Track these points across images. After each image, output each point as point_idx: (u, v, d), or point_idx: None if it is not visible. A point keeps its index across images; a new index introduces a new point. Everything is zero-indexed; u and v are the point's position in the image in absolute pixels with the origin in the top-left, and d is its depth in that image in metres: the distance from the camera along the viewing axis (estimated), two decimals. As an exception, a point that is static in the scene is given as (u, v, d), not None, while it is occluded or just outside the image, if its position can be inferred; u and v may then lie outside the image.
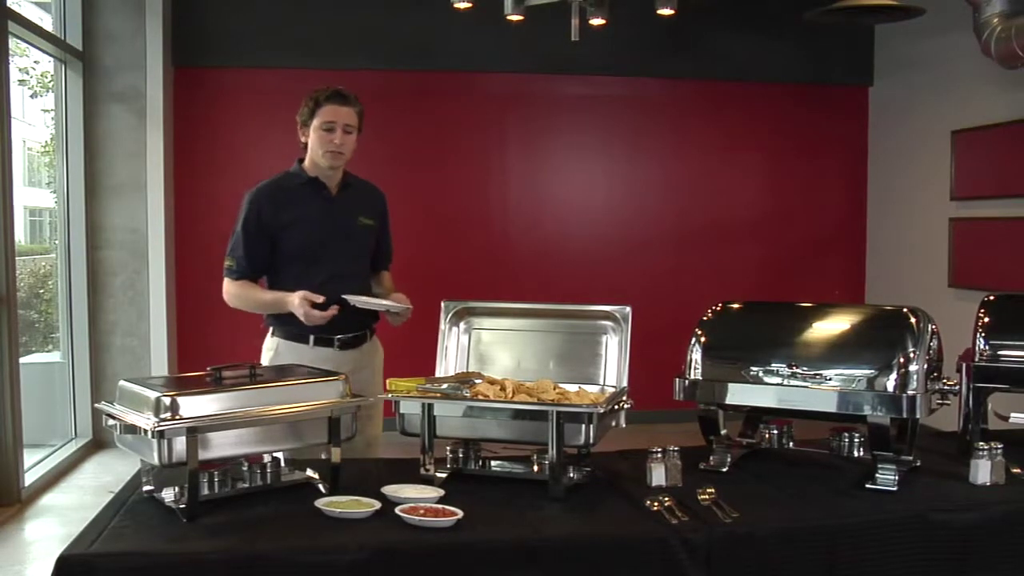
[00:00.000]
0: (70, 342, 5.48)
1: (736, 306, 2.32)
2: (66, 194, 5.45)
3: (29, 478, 4.61)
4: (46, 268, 5.90)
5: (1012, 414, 2.49)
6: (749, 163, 6.42)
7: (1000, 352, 2.37)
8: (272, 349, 2.76)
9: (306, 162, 2.79)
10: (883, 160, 6.38)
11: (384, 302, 2.69)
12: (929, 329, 2.10)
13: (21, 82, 6.15)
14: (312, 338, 2.68)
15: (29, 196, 6.54)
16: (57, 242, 5.62)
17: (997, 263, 5.23)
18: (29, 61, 5.82)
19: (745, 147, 6.39)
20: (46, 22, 5.43)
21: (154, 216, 5.54)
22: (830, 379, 2.08)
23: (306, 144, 2.77)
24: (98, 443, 5.39)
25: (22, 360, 4.85)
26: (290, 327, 2.68)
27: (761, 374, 2.14)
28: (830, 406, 2.08)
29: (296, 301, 2.56)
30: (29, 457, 4.82)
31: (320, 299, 2.55)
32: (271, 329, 2.79)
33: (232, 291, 2.76)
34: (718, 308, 2.30)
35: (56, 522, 4.18)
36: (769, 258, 6.40)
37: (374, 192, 2.94)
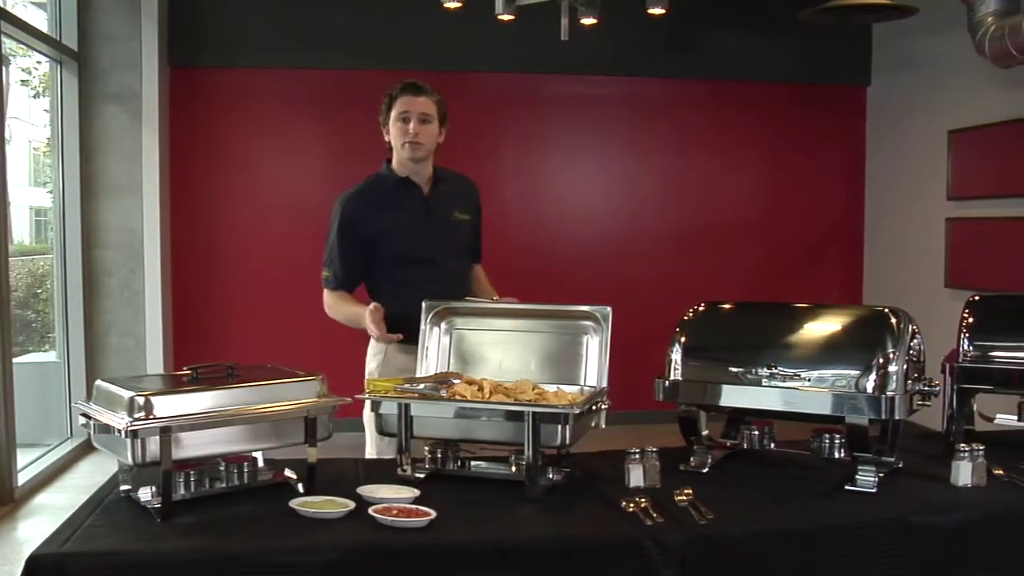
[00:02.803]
0: (66, 342, 5.50)
1: (717, 306, 2.31)
2: (62, 194, 5.47)
3: (23, 477, 4.62)
4: (44, 268, 5.92)
5: (997, 415, 2.48)
6: (746, 163, 6.41)
7: (984, 353, 2.36)
8: (381, 353, 2.72)
9: (394, 163, 2.75)
10: (880, 160, 6.36)
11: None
12: (910, 330, 2.08)
13: (23, 82, 6.17)
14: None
15: (35, 196, 6.55)
16: (53, 242, 5.63)
17: (993, 263, 5.20)
18: (31, 62, 5.83)
19: (742, 147, 6.38)
20: (43, 23, 5.45)
21: (150, 216, 5.56)
22: (809, 380, 2.07)
23: (391, 144, 2.73)
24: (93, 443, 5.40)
25: (18, 360, 4.87)
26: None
27: (740, 375, 2.13)
28: (809, 407, 2.06)
29: (368, 317, 2.50)
30: (25, 457, 4.84)
31: (381, 311, 2.49)
32: None
33: (329, 303, 2.75)
34: (699, 308, 2.29)
35: (49, 522, 4.15)
36: (766, 258, 6.39)
37: (468, 185, 2.90)
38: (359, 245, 2.68)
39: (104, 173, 5.54)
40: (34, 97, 6.27)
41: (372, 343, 2.75)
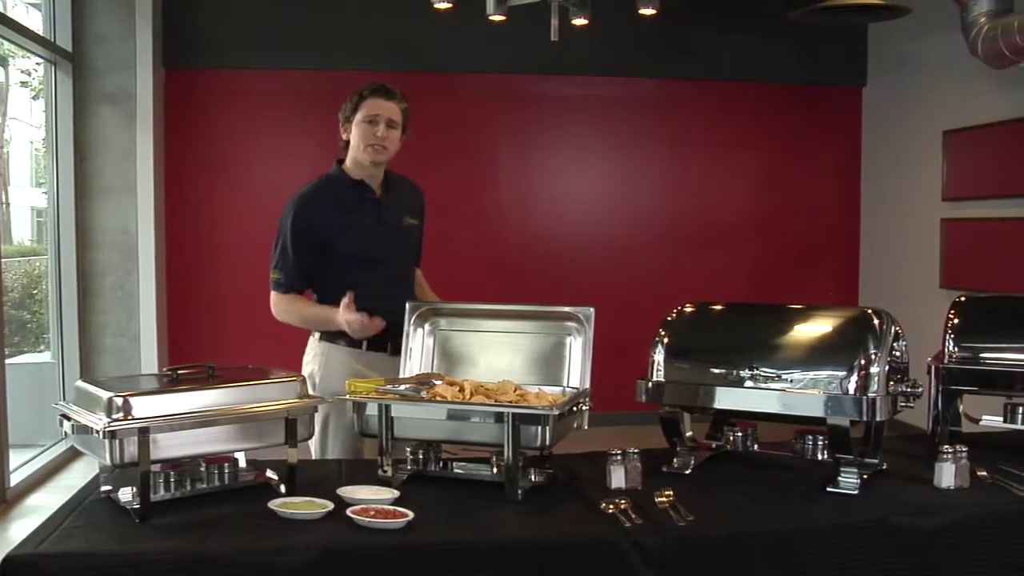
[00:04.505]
0: (60, 342, 5.50)
1: (700, 307, 2.30)
2: (56, 195, 5.47)
3: (16, 478, 4.62)
4: (40, 268, 5.93)
5: (983, 417, 2.47)
6: (742, 164, 6.40)
7: (970, 354, 2.35)
8: (323, 354, 2.66)
9: (347, 163, 2.71)
10: (876, 160, 6.35)
11: None
12: (893, 331, 2.07)
13: (23, 84, 6.17)
14: (365, 343, 2.60)
15: (36, 197, 6.56)
16: (48, 243, 5.64)
17: (989, 264, 5.20)
18: (32, 63, 5.84)
19: (738, 148, 6.37)
20: (38, 24, 5.45)
21: (144, 217, 5.56)
22: (791, 381, 2.06)
23: (347, 143, 2.69)
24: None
25: (13, 360, 4.87)
26: (342, 332, 2.59)
27: (722, 376, 2.12)
28: (790, 409, 2.06)
29: (341, 317, 2.48)
30: (18, 457, 4.83)
31: (350, 298, 2.47)
32: (319, 334, 2.68)
33: (281, 306, 2.66)
34: (682, 309, 2.29)
35: (41, 522, 4.18)
36: (762, 259, 6.38)
37: (415, 189, 2.87)
38: (312, 246, 2.62)
39: (99, 174, 5.54)
40: (34, 98, 6.28)
41: (311, 344, 2.70)
